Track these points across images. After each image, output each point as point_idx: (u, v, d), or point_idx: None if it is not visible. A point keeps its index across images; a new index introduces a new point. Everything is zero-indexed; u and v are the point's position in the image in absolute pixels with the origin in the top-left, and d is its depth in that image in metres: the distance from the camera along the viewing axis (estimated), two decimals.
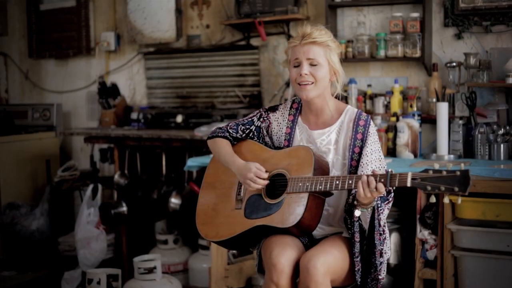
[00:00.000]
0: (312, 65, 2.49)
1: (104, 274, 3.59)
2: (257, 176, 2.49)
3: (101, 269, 3.72)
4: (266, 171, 2.52)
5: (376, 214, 2.38)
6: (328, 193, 2.46)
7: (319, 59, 2.49)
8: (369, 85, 4.16)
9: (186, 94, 5.05)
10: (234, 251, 4.03)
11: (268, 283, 2.38)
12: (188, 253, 4.57)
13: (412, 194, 3.36)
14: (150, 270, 3.61)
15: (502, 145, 3.55)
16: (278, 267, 2.36)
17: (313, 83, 2.50)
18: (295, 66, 2.53)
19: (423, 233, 3.34)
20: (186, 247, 4.62)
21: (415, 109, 3.92)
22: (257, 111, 2.73)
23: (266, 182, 2.51)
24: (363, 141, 2.49)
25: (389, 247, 2.51)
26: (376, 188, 2.24)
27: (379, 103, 4.04)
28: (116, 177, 4.74)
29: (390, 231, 3.52)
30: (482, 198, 3.15)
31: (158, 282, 3.62)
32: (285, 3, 4.39)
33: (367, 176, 2.27)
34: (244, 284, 3.87)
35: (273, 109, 2.71)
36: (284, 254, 2.38)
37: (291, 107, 2.67)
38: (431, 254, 3.34)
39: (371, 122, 2.54)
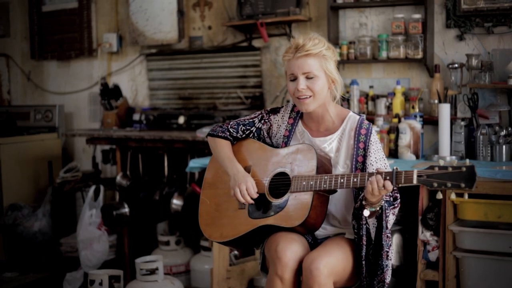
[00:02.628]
0: (308, 78, 2.46)
1: (106, 275, 3.59)
2: (248, 191, 2.50)
3: (103, 270, 3.72)
4: (259, 191, 2.52)
5: (384, 215, 2.38)
6: (333, 191, 2.46)
7: (315, 71, 2.45)
8: (371, 87, 4.16)
9: (188, 95, 5.06)
10: (236, 252, 4.04)
11: (272, 277, 2.37)
12: (190, 254, 4.57)
13: (414, 196, 3.36)
14: (152, 271, 3.61)
15: (504, 146, 3.55)
16: (283, 260, 2.35)
17: (311, 96, 2.47)
18: (291, 80, 2.50)
19: (425, 235, 3.34)
20: (188, 248, 4.62)
21: (417, 110, 3.92)
22: (259, 112, 2.72)
23: (251, 201, 2.51)
24: (366, 150, 2.48)
25: (392, 252, 2.51)
26: (384, 186, 2.24)
27: (381, 105, 4.03)
28: (118, 178, 4.74)
29: (392, 232, 3.52)
30: (484, 199, 3.15)
31: (160, 283, 3.62)
32: (287, 4, 4.40)
33: (373, 174, 2.27)
34: (246, 285, 3.87)
35: (275, 111, 2.69)
36: (289, 248, 2.38)
37: (292, 110, 2.66)
38: (433, 256, 3.34)
39: (373, 131, 2.52)
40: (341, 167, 2.52)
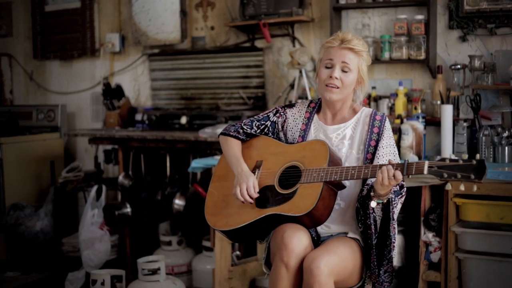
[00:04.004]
0: (343, 70, 2.54)
1: (108, 275, 3.59)
2: (247, 191, 2.52)
3: (105, 270, 3.72)
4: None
5: (390, 207, 2.41)
6: (341, 186, 2.49)
7: (351, 66, 2.54)
8: (373, 87, 4.16)
9: (190, 95, 5.06)
10: (238, 253, 4.04)
11: (278, 264, 2.38)
12: (191, 254, 4.57)
13: (417, 197, 3.36)
14: (154, 271, 3.61)
15: (506, 148, 3.55)
16: (290, 247, 2.36)
17: (339, 88, 2.54)
18: (326, 67, 2.56)
19: (427, 236, 3.34)
20: (189, 249, 4.62)
21: (419, 111, 3.92)
22: (273, 107, 2.78)
23: (251, 201, 2.53)
24: (379, 134, 2.55)
25: (396, 245, 2.52)
26: (394, 175, 2.27)
27: (384, 105, 4.04)
28: (120, 178, 4.75)
29: None
30: (486, 201, 3.15)
31: (162, 284, 3.62)
32: (289, 5, 4.39)
33: (385, 165, 2.30)
34: (248, 285, 3.87)
35: (290, 105, 2.76)
36: (296, 236, 2.39)
37: (308, 105, 2.72)
38: (435, 257, 3.34)
39: (387, 118, 2.60)
40: (356, 152, 2.57)
